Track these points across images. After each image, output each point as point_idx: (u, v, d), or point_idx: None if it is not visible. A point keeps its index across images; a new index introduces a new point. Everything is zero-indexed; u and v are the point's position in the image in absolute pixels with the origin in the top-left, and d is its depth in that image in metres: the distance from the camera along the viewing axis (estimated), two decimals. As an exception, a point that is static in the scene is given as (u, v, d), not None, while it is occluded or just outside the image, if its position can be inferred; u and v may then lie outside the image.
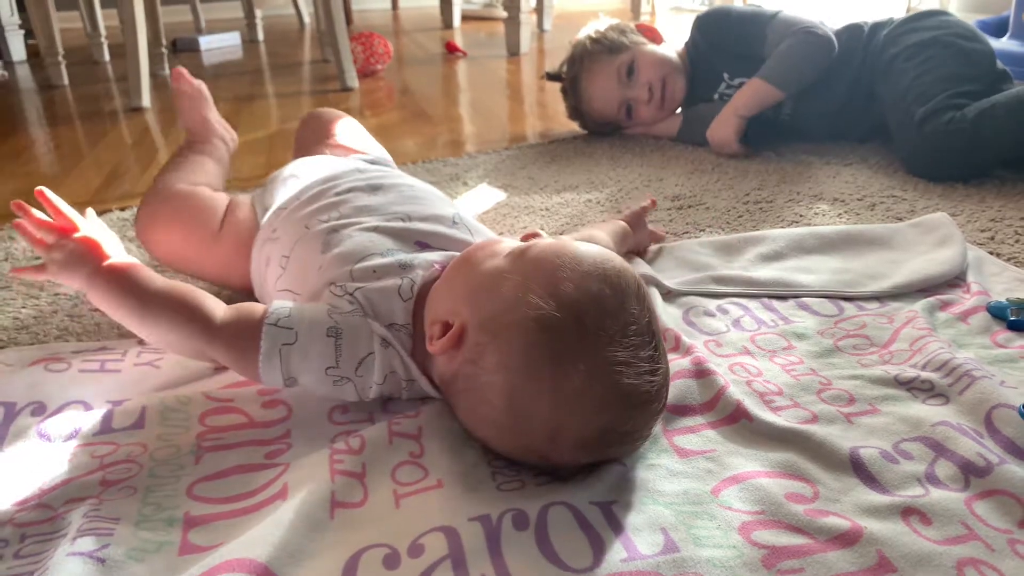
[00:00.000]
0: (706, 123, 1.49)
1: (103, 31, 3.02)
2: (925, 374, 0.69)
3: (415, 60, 2.91)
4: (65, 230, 0.72)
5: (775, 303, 0.87)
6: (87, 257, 0.70)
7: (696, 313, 0.85)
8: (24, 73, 2.77)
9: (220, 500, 0.58)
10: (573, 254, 0.58)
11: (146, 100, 2.07)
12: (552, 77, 1.66)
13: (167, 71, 2.61)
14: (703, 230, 1.09)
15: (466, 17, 4.03)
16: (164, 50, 2.70)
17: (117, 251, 0.72)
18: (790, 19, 1.41)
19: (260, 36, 3.62)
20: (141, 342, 0.82)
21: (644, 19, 1.64)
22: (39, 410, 0.68)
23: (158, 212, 0.93)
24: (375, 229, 0.75)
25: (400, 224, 0.76)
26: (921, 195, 1.17)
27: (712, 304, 0.87)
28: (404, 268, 0.69)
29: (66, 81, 2.49)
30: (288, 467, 0.60)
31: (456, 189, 1.33)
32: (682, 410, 0.67)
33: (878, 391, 0.69)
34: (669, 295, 0.89)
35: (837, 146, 1.45)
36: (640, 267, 0.93)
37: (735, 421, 0.65)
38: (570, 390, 0.53)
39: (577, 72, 1.57)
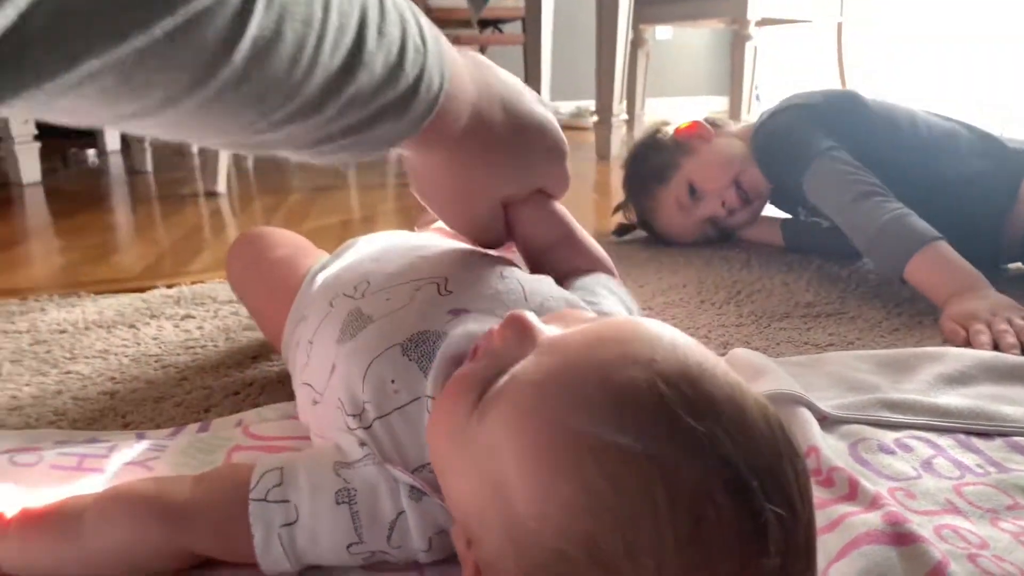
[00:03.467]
0: (813, 233, 1.29)
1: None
2: None
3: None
4: None
5: (975, 441, 0.64)
6: None
7: (868, 448, 0.62)
8: (116, 160, 2.80)
9: None
10: (599, 369, 0.34)
11: (222, 185, 2.00)
12: (625, 229, 1.46)
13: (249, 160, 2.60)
14: (851, 343, 0.87)
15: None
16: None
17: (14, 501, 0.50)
18: (828, 173, 1.09)
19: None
20: (141, 435, 0.65)
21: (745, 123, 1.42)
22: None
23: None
24: (403, 307, 0.53)
25: (432, 292, 0.54)
26: None
27: (888, 437, 0.64)
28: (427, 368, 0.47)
29: (150, 168, 2.49)
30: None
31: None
32: (884, 598, 0.44)
33: None
34: (825, 421, 0.66)
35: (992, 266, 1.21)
36: (778, 380, 0.68)
37: (974, 624, 0.42)
38: None
39: (642, 213, 1.39)
